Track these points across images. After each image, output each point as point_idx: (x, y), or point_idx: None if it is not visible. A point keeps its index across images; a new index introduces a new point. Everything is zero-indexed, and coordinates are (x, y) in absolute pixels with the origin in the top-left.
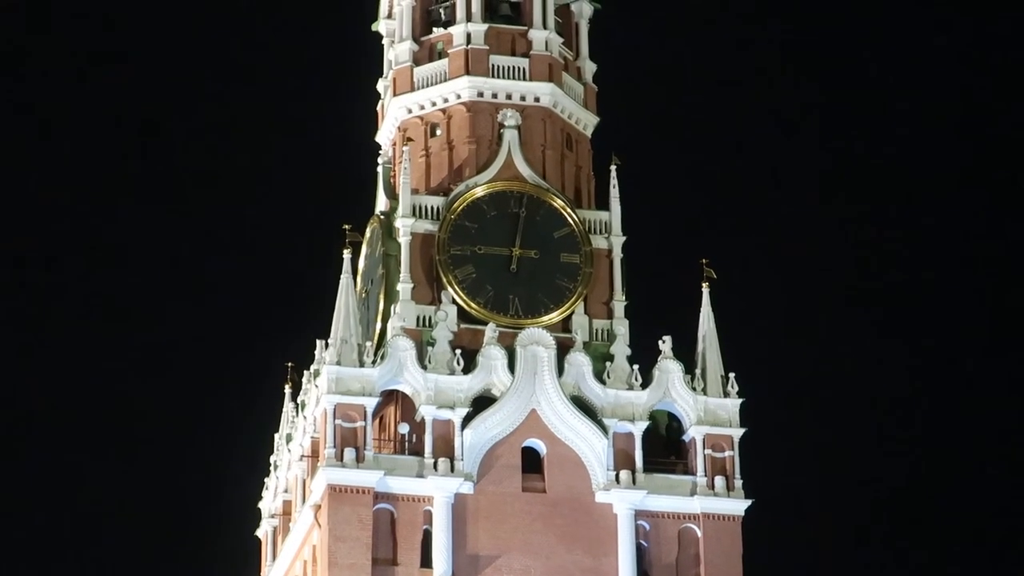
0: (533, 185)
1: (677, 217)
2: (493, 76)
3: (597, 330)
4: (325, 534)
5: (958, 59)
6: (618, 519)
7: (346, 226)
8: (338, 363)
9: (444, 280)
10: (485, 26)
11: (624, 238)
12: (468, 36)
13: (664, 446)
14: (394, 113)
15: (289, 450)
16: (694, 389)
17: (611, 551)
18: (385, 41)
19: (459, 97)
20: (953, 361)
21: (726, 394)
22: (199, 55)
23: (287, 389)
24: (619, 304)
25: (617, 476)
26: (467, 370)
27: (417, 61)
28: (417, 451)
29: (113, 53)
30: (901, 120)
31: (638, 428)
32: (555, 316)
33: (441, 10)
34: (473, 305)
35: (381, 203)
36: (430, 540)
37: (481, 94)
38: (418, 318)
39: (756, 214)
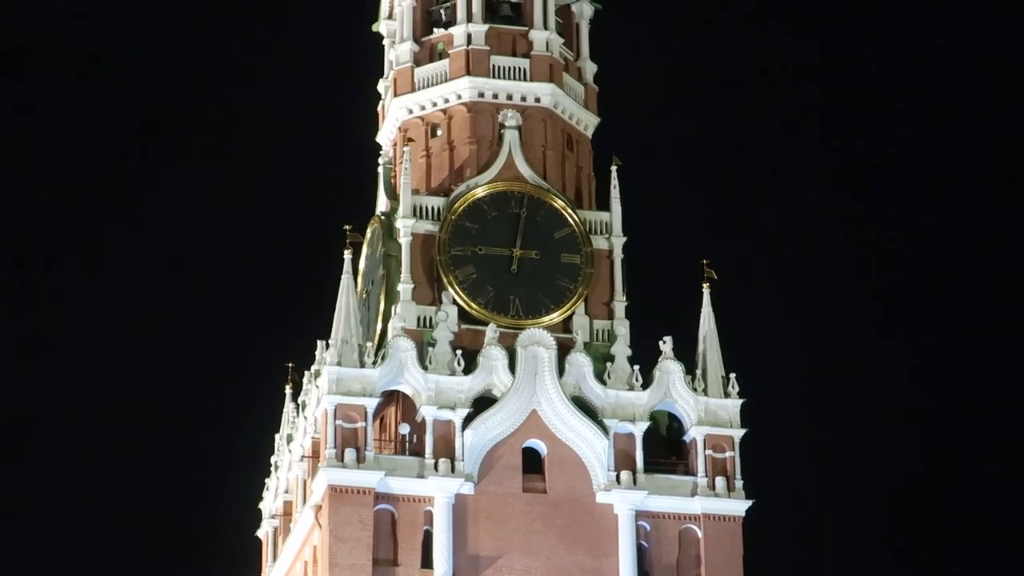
0: (534, 186)
1: (677, 217)
2: (494, 77)
3: (598, 331)
4: (326, 534)
5: (958, 59)
6: (619, 519)
7: (347, 226)
8: (339, 364)
9: (445, 280)
10: (486, 27)
11: (625, 238)
12: (469, 37)
13: (665, 447)
14: (395, 113)
15: (290, 451)
16: (695, 390)
17: (612, 552)
18: (386, 42)
19: (460, 97)
20: (953, 361)
21: (727, 394)
22: (199, 55)
23: (288, 390)
24: (620, 305)
25: (618, 477)
26: (468, 371)
27: (418, 62)
28: (418, 452)
29: (113, 53)
30: (901, 120)
31: (639, 429)
32: (556, 317)
33: (442, 11)
34: (474, 306)
35: (382, 203)
36: (431, 541)
37: (482, 94)
38: (419, 319)
39: (756, 214)
